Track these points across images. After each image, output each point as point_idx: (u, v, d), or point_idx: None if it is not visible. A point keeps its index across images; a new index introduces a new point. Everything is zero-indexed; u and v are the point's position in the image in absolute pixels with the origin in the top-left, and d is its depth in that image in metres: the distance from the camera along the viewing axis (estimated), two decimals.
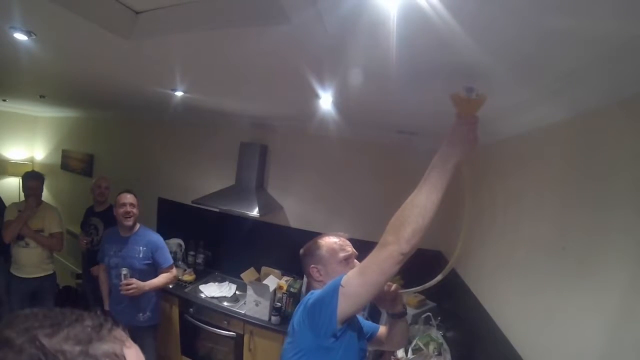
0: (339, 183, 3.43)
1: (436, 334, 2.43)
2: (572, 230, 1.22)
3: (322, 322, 1.21)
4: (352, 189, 3.36)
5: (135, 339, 2.03)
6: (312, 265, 1.48)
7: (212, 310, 3.16)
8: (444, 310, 2.79)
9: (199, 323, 3.19)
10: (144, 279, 2.73)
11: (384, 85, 1.57)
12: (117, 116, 4.80)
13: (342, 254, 1.47)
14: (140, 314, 2.82)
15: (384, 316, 1.89)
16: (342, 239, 1.55)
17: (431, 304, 2.94)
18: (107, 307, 2.89)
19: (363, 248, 1.43)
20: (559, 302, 1.22)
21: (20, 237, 3.17)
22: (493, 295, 1.91)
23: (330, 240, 1.52)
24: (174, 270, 2.99)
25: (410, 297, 2.91)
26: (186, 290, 3.37)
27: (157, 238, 2.91)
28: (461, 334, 2.33)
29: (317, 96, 1.91)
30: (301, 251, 1.56)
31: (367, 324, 1.64)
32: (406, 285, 2.40)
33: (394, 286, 1.44)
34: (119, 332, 0.54)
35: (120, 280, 2.64)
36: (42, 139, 6.08)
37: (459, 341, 2.33)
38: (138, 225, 2.88)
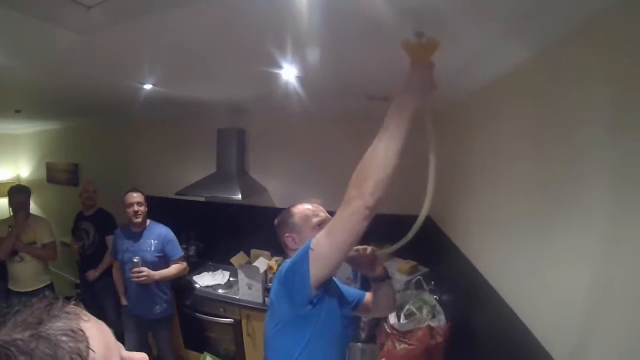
0: (319, 159, 3.42)
1: (429, 297, 2.41)
2: (548, 168, 1.17)
3: (297, 289, 1.19)
4: (332, 163, 3.29)
5: (151, 331, 2.06)
6: (287, 234, 1.45)
7: (207, 299, 3.16)
8: (437, 274, 2.78)
9: (196, 314, 3.19)
10: (155, 270, 2.81)
11: (335, 47, 1.53)
12: (96, 122, 4.78)
13: (315, 220, 1.44)
14: (157, 307, 2.89)
15: None
16: (315, 204, 1.52)
17: (424, 269, 2.93)
18: (124, 302, 2.96)
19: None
20: (543, 245, 1.17)
21: (14, 253, 3.16)
22: (479, 249, 1.87)
23: (302, 207, 1.49)
24: (185, 262, 3.07)
25: (402, 263, 2.91)
26: (180, 282, 3.36)
27: (167, 231, 2.99)
28: (454, 295, 2.31)
29: (279, 67, 1.89)
30: (275, 221, 1.53)
31: (352, 291, 1.61)
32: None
33: (369, 248, 1.42)
34: (73, 307, 0.49)
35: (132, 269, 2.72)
36: (25, 155, 6.05)
37: (453, 302, 2.31)
38: (148, 221, 2.96)
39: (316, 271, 1.14)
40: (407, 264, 2.89)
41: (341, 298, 1.42)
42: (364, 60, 1.72)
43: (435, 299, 2.41)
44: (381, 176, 1.01)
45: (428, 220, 2.94)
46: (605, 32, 0.90)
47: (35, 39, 1.48)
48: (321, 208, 1.52)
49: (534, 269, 1.23)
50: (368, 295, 1.61)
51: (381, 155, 1.02)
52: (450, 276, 2.41)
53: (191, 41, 1.58)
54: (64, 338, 0.44)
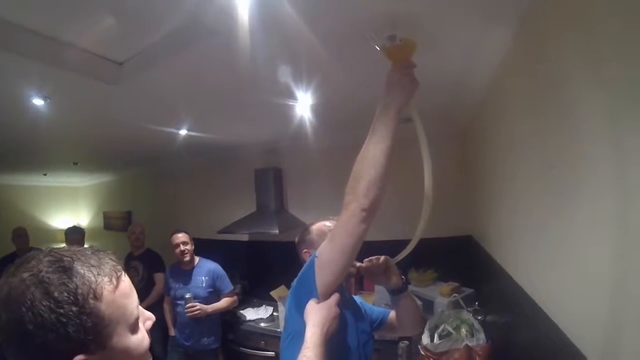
0: None
1: (467, 315, 2.30)
2: (554, 146, 1.13)
3: (304, 297, 1.19)
4: None
5: None
6: (305, 250, 1.47)
7: (249, 333, 3.21)
8: (482, 294, 2.67)
9: (239, 348, 3.23)
10: (207, 304, 2.93)
11: (346, 72, 1.66)
12: (145, 172, 5.21)
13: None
14: (205, 338, 2.99)
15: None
16: (332, 221, 1.55)
17: (468, 290, 2.81)
18: (171, 333, 3.10)
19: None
20: (565, 236, 1.08)
21: None
22: (514, 258, 1.77)
23: (320, 224, 1.51)
24: (235, 296, 3.20)
25: (443, 286, 2.81)
26: (226, 317, 3.40)
27: (216, 267, 3.13)
28: (498, 314, 2.18)
29: (294, 99, 2.00)
30: (296, 239, 1.56)
31: (376, 309, 1.60)
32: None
33: (382, 258, 1.41)
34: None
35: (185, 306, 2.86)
36: (84, 206, 6.61)
37: (496, 321, 2.20)
38: (197, 259, 3.11)
39: (322, 278, 1.16)
40: (448, 286, 2.77)
41: (357, 312, 1.40)
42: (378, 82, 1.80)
43: (478, 319, 2.29)
44: (372, 176, 1.03)
45: (470, 239, 2.85)
46: None
47: (80, 93, 1.84)
48: None
49: (559, 268, 1.15)
50: (393, 313, 1.56)
51: (370, 156, 1.04)
52: (494, 295, 2.28)
53: (211, 80, 1.79)
54: (109, 260, 0.65)
